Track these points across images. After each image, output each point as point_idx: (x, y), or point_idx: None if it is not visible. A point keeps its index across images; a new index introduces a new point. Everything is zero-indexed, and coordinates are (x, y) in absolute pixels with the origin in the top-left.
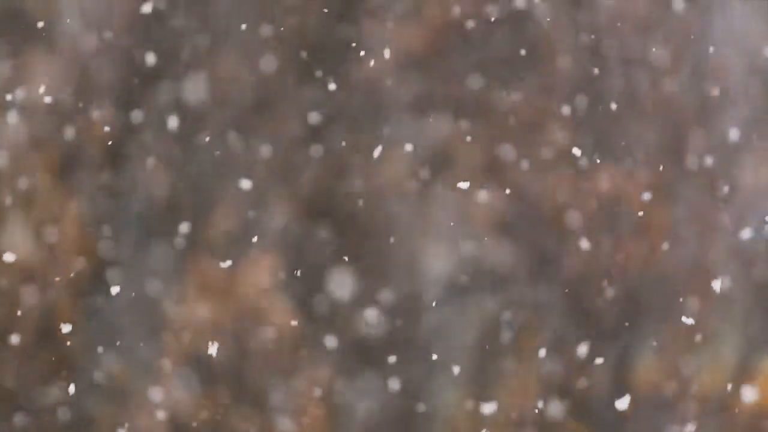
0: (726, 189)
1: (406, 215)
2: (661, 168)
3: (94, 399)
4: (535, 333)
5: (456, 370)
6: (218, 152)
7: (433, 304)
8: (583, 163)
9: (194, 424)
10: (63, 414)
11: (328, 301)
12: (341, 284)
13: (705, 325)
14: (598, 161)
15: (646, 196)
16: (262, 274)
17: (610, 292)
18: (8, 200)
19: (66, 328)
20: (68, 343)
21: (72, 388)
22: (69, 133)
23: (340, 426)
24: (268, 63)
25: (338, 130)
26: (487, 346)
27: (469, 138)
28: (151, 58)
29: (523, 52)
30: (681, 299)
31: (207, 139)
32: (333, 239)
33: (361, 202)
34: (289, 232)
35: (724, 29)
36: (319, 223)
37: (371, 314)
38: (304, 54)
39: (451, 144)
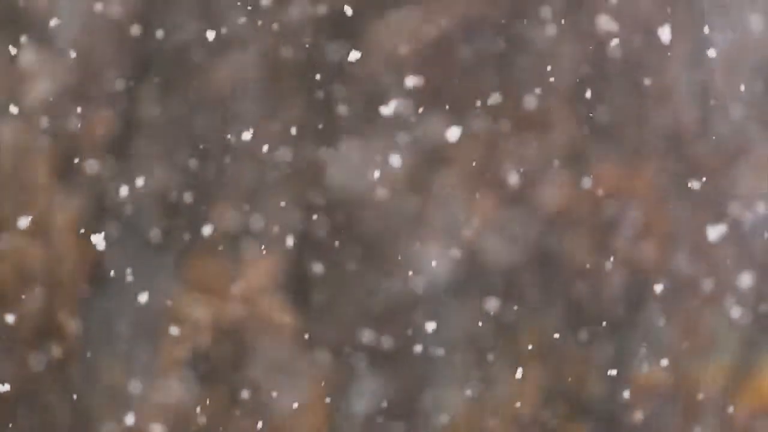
0: (727, 189)
1: (405, 215)
2: (662, 167)
3: (94, 399)
4: (535, 333)
5: (455, 370)
6: (220, 151)
7: (434, 310)
8: (584, 162)
9: (194, 425)
10: (62, 414)
11: (327, 302)
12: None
13: (705, 325)
14: (599, 160)
15: (647, 195)
16: (262, 274)
17: (610, 292)
18: (8, 200)
19: (65, 329)
20: (67, 343)
21: (71, 388)
22: (69, 132)
23: (341, 426)
24: (269, 62)
25: (339, 129)
26: (486, 346)
27: (468, 137)
28: (152, 57)
29: (522, 50)
30: (681, 299)
31: (208, 138)
32: (333, 239)
33: (360, 202)
34: (289, 231)
35: (725, 29)
36: (318, 222)
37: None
38: (305, 54)
39: (450, 143)
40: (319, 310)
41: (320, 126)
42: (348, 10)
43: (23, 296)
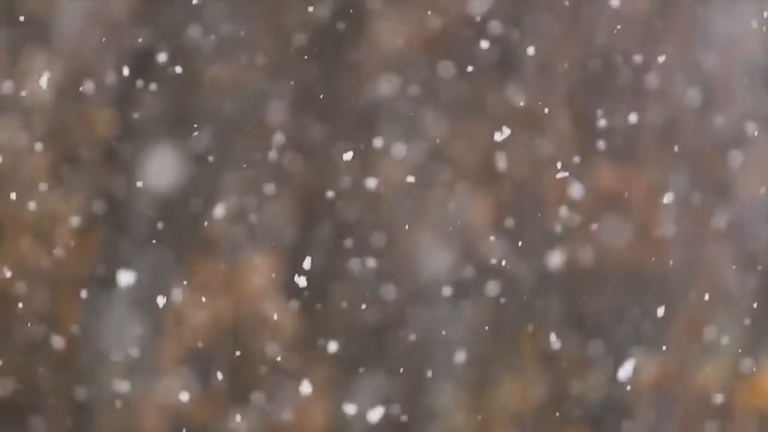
0: (727, 189)
1: (405, 215)
2: (662, 167)
3: (94, 399)
4: (535, 332)
5: (455, 369)
6: (219, 151)
7: (434, 309)
8: (583, 162)
9: (194, 424)
10: (62, 414)
11: (328, 301)
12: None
13: (705, 325)
14: (598, 160)
15: (646, 194)
16: (262, 273)
17: (610, 292)
18: (8, 200)
19: (66, 329)
20: (68, 343)
21: (72, 389)
22: (69, 132)
23: (340, 425)
24: (267, 62)
25: (338, 129)
26: (485, 345)
27: (467, 137)
28: (152, 56)
29: (522, 51)
30: (681, 299)
31: (208, 138)
32: (333, 239)
33: (360, 202)
34: (289, 231)
35: (724, 28)
36: (318, 222)
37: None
38: (303, 53)
39: (450, 143)
40: (319, 309)
41: (320, 125)
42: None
43: (25, 296)
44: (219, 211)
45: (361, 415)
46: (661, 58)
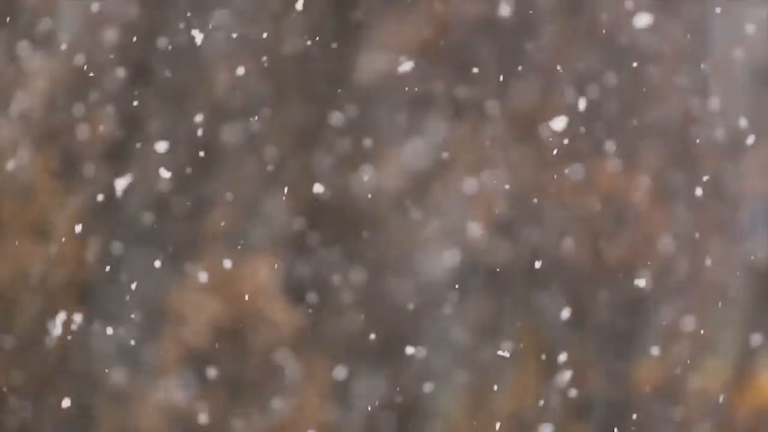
0: (726, 189)
1: (405, 215)
2: (662, 167)
3: (94, 399)
4: (535, 333)
5: (455, 370)
6: (219, 152)
7: (434, 309)
8: (584, 161)
9: (194, 424)
10: (62, 415)
11: (328, 300)
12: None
13: (705, 325)
14: (599, 160)
15: (647, 194)
16: (262, 273)
17: (609, 292)
18: (7, 201)
19: (65, 329)
20: (67, 343)
21: (71, 389)
22: (69, 132)
23: (339, 425)
24: (266, 64)
25: (338, 130)
26: (486, 347)
27: (467, 138)
28: (153, 57)
29: (522, 51)
30: (681, 299)
31: (206, 138)
32: (333, 239)
33: (360, 202)
34: (289, 231)
35: (727, 29)
36: (318, 223)
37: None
38: (304, 54)
39: (450, 144)
40: (319, 309)
41: (320, 125)
42: None
43: (24, 296)
44: (219, 209)
45: (361, 413)
46: (662, 60)
